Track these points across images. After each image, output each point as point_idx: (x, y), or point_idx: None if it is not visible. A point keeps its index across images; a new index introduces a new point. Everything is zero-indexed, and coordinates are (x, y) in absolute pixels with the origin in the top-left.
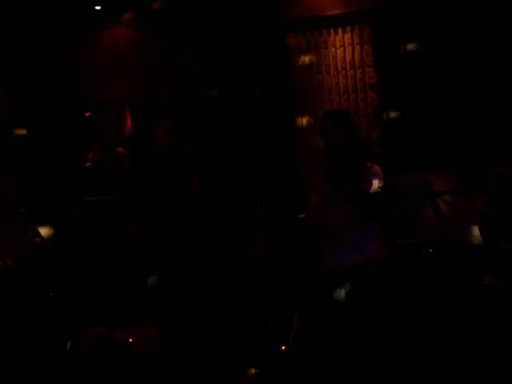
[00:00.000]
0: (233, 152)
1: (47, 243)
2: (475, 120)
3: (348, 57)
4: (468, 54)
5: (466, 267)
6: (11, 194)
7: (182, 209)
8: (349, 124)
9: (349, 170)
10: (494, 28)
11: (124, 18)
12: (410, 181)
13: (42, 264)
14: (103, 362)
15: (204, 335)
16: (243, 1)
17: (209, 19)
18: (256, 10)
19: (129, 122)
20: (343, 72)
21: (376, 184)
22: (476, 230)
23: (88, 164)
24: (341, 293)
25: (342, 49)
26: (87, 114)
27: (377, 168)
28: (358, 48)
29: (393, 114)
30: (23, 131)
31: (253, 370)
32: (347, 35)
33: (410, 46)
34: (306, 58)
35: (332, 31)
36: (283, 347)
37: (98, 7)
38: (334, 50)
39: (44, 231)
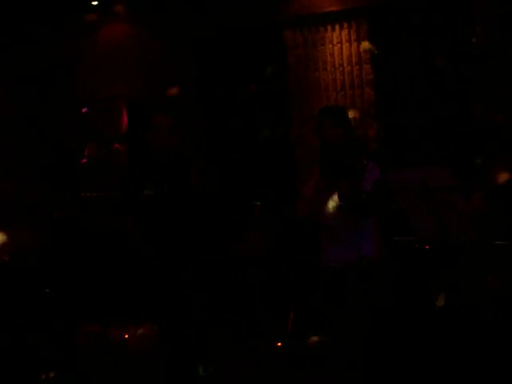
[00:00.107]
0: (231, 150)
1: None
2: (473, 118)
3: (345, 53)
4: (466, 51)
5: (462, 264)
6: (11, 194)
7: (180, 207)
8: (346, 121)
9: (345, 167)
10: (493, 27)
11: (122, 15)
12: (405, 178)
13: (39, 261)
14: (99, 360)
15: (201, 333)
16: None
17: (207, 18)
18: (254, 7)
19: (125, 119)
20: (340, 68)
21: (372, 181)
22: (472, 227)
23: (84, 160)
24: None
25: (339, 45)
26: (84, 110)
27: (373, 165)
28: (355, 45)
29: (390, 111)
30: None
31: (249, 368)
32: (344, 32)
33: (407, 43)
34: (304, 55)
35: (329, 28)
36: (279, 344)
37: (95, 2)
38: (331, 46)
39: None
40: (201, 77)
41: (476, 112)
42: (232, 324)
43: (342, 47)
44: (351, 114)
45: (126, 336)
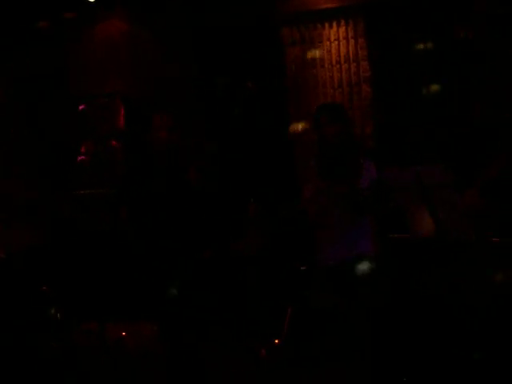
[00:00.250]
0: (228, 147)
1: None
2: (471, 116)
3: (342, 51)
4: (464, 49)
5: (458, 261)
6: (9, 193)
7: (176, 205)
8: (343, 118)
9: (342, 165)
10: (493, 26)
11: (118, 11)
12: (402, 175)
13: (36, 258)
14: (96, 358)
15: (197, 332)
16: None
17: (205, 16)
18: (251, 5)
19: (122, 116)
20: (337, 66)
21: (369, 179)
22: (468, 224)
23: (81, 158)
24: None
25: (336, 43)
26: (81, 108)
27: (370, 163)
28: (352, 42)
29: (387, 109)
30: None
31: (247, 367)
32: (341, 29)
33: (405, 40)
34: (301, 52)
35: (326, 25)
36: (276, 342)
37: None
38: (328, 43)
39: None
40: (195, 72)
41: (474, 110)
42: (229, 323)
43: (339, 44)
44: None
45: (124, 334)
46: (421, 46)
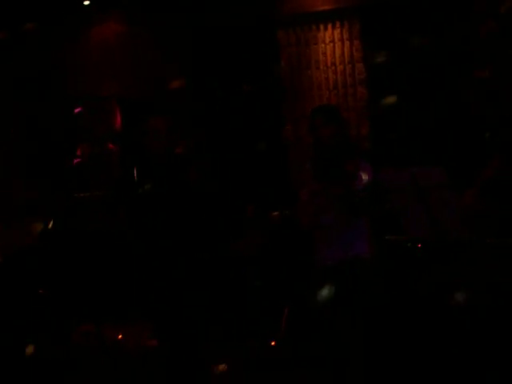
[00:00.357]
0: (224, 149)
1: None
2: (468, 117)
3: (338, 52)
4: (461, 50)
5: (455, 262)
6: (11, 195)
7: (175, 206)
8: (338, 120)
9: (338, 166)
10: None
11: (114, 14)
12: (398, 176)
13: (32, 261)
14: (94, 359)
15: (195, 332)
16: None
17: (200, 17)
18: (247, 7)
19: (119, 118)
20: (333, 68)
21: (365, 181)
22: (464, 225)
23: (77, 160)
24: (330, 290)
25: (331, 44)
26: (77, 110)
27: (366, 164)
28: (347, 44)
29: (382, 110)
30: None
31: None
32: (337, 31)
33: (400, 42)
34: (296, 54)
35: (322, 27)
36: (273, 343)
37: (87, 2)
38: (323, 45)
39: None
40: (191, 74)
41: (472, 111)
42: (226, 323)
43: (334, 46)
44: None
45: (120, 336)
46: (416, 48)
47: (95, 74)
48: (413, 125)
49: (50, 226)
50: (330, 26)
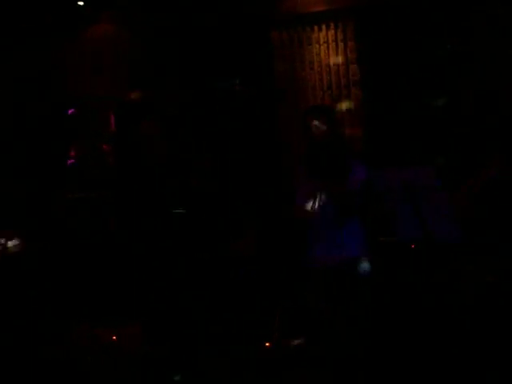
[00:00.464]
0: (219, 150)
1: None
2: (461, 118)
3: (332, 53)
4: (457, 50)
5: (446, 263)
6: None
7: (172, 207)
8: (331, 120)
9: (332, 167)
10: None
11: (108, 15)
12: (391, 177)
13: (27, 262)
14: (88, 361)
15: (190, 333)
16: None
17: (193, 18)
18: (240, 8)
19: (112, 119)
20: (327, 69)
21: (358, 182)
22: (457, 226)
23: (71, 161)
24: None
25: (325, 45)
26: (71, 111)
27: (359, 165)
28: (341, 45)
29: (376, 111)
30: None
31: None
32: (331, 32)
33: (395, 43)
34: (290, 55)
35: (316, 28)
36: (267, 344)
37: (80, 3)
38: (317, 46)
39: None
40: (186, 75)
41: (466, 112)
42: (220, 324)
43: (328, 47)
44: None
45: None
46: (411, 49)
47: (89, 75)
48: (407, 126)
49: (45, 226)
50: (324, 27)
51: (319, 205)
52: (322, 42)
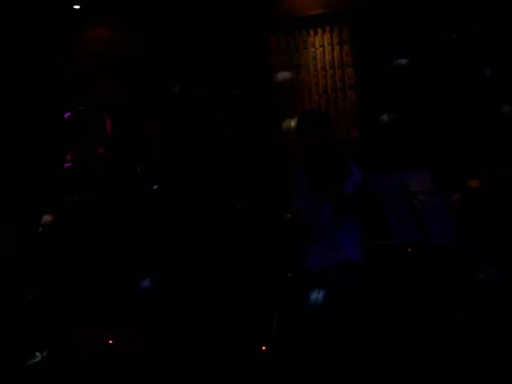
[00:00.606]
0: (216, 153)
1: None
2: (457, 119)
3: (327, 57)
4: (452, 52)
5: (443, 266)
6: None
7: (167, 209)
8: (326, 124)
9: (328, 170)
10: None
11: (104, 19)
12: (386, 180)
13: (23, 266)
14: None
15: (187, 337)
16: (224, 3)
17: (190, 20)
18: (237, 11)
19: (109, 123)
20: (323, 72)
21: (355, 184)
22: (453, 229)
23: (67, 165)
24: (318, 295)
25: (321, 49)
26: (67, 115)
27: (356, 168)
28: (337, 48)
29: (372, 114)
30: None
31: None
32: (327, 35)
33: (390, 46)
34: (286, 59)
35: (312, 31)
36: (264, 348)
37: (77, 6)
38: (313, 50)
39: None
40: (183, 78)
41: (460, 114)
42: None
43: (324, 51)
44: None
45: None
46: (406, 52)
47: (85, 78)
48: (403, 128)
49: (40, 231)
50: (320, 31)
51: (316, 206)
52: (317, 45)
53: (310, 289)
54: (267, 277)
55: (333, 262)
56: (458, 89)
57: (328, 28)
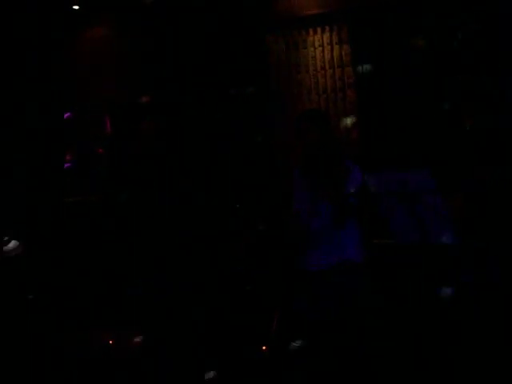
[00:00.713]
0: (215, 153)
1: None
2: (457, 120)
3: (327, 56)
4: (450, 53)
5: (442, 266)
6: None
7: (167, 209)
8: (324, 124)
9: (327, 170)
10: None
11: (104, 18)
12: (386, 180)
13: (22, 266)
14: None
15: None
16: (222, 3)
17: (188, 21)
18: (236, 11)
19: (108, 123)
20: (322, 72)
21: (355, 184)
22: (453, 229)
23: (67, 165)
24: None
25: (320, 49)
26: (66, 116)
27: (356, 168)
28: (336, 48)
29: (372, 114)
30: None
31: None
32: (326, 35)
33: (388, 45)
34: (285, 58)
35: (311, 31)
36: (264, 348)
37: (76, 7)
38: (312, 49)
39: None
40: (185, 81)
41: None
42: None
43: (323, 50)
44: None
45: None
46: (405, 51)
47: (84, 79)
48: (402, 128)
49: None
50: (319, 30)
51: (316, 207)
52: (317, 45)
53: (310, 289)
54: (267, 277)
55: (333, 262)
56: (458, 89)
57: (327, 28)
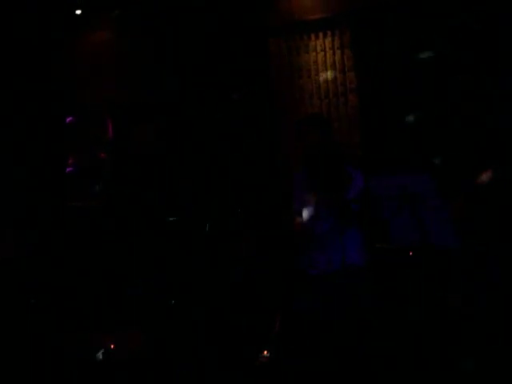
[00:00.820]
0: (215, 153)
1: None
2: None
3: (329, 61)
4: (453, 56)
5: (444, 269)
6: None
7: (167, 212)
8: (324, 128)
9: (329, 175)
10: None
11: (105, 18)
12: (388, 184)
13: (24, 270)
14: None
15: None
16: (224, 6)
17: (188, 21)
18: (238, 15)
19: (110, 127)
20: (324, 76)
21: (356, 188)
22: (454, 233)
23: (69, 170)
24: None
25: (322, 53)
26: (69, 120)
27: (357, 172)
28: (338, 52)
29: (374, 118)
30: None
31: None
32: (328, 40)
33: (391, 50)
34: (287, 63)
35: (313, 36)
36: (265, 352)
37: (78, 11)
38: (314, 54)
39: None
40: (186, 84)
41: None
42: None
43: (325, 55)
44: None
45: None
46: (407, 55)
47: (86, 82)
48: (404, 132)
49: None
50: (321, 35)
51: (318, 211)
52: (319, 49)
53: (312, 292)
54: (267, 277)
55: (335, 265)
56: (459, 89)
57: (329, 32)
